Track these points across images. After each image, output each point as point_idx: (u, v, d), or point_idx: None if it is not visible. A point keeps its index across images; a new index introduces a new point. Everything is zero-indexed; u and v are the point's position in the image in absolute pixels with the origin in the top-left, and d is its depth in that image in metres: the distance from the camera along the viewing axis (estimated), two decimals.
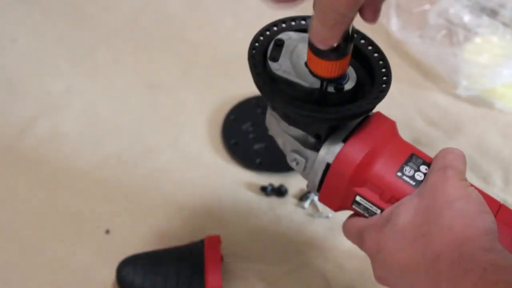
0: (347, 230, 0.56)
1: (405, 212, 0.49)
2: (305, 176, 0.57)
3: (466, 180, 0.50)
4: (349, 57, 0.48)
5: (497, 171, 0.87)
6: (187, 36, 1.05)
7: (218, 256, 0.73)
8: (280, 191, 0.84)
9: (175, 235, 0.81)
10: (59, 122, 0.93)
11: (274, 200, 0.84)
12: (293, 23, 0.55)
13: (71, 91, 0.97)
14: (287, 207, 0.83)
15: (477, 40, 0.92)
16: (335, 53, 0.47)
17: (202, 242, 0.75)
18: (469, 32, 0.92)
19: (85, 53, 1.02)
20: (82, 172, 0.87)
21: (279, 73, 0.51)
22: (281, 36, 0.53)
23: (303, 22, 0.55)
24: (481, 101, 0.94)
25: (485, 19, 0.92)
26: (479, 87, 0.92)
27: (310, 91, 0.50)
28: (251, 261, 0.79)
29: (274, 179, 0.86)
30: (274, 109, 0.56)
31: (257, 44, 0.53)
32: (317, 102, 0.51)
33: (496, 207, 0.51)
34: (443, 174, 0.49)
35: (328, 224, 0.82)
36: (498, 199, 0.83)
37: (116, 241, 0.81)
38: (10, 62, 1.01)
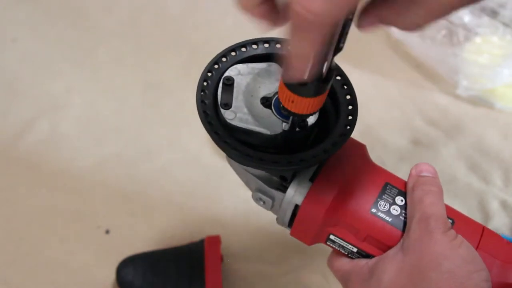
0: (333, 270, 0.54)
1: (390, 269, 0.46)
2: (273, 212, 0.53)
3: (450, 228, 0.46)
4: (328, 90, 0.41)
5: (497, 171, 0.87)
6: (187, 36, 1.05)
7: (218, 256, 0.73)
8: None
9: (175, 235, 0.81)
10: (59, 122, 0.93)
11: None
12: (243, 49, 0.49)
13: (71, 91, 0.97)
14: None
15: (477, 40, 0.92)
16: (316, 87, 0.39)
17: (202, 242, 0.75)
18: (469, 32, 0.91)
19: (85, 53, 1.02)
20: (82, 172, 0.87)
21: (235, 123, 0.46)
22: (230, 72, 0.48)
23: (254, 46, 0.49)
24: (481, 101, 0.93)
25: (485, 19, 0.92)
26: (479, 87, 0.92)
27: (272, 137, 0.46)
28: (251, 261, 0.79)
29: None
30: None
31: (206, 83, 0.48)
32: (280, 145, 0.46)
33: (479, 232, 0.49)
34: (425, 227, 0.45)
35: None
36: (498, 199, 0.84)
37: (116, 241, 0.81)
38: (10, 62, 1.01)
